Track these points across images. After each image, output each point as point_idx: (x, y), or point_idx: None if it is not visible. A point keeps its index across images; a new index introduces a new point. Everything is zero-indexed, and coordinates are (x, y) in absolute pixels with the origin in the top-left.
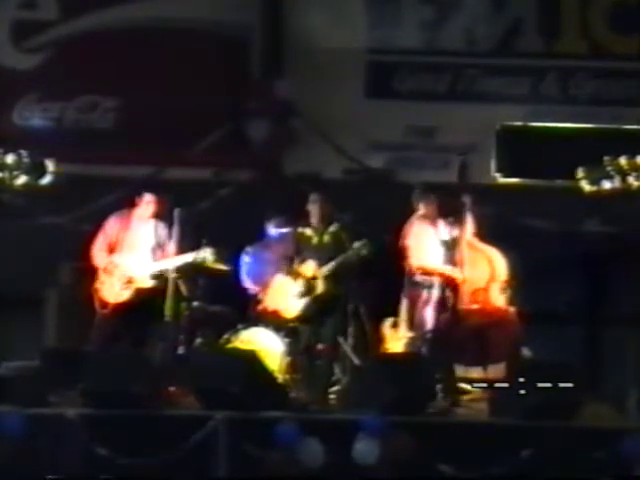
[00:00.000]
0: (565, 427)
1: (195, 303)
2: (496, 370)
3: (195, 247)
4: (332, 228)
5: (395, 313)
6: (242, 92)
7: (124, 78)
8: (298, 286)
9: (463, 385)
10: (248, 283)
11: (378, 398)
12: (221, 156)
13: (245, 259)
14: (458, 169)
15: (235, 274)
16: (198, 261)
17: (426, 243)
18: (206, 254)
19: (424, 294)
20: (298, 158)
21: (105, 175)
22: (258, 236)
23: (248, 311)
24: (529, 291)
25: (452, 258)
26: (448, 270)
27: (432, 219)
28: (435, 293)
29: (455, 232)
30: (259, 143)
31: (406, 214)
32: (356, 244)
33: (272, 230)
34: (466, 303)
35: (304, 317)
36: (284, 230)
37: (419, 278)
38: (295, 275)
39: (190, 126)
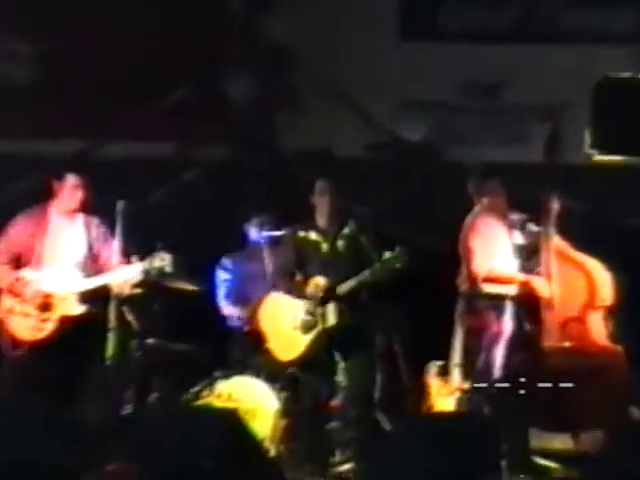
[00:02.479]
0: None
1: (150, 340)
2: (592, 439)
3: (146, 255)
4: (347, 230)
5: (444, 354)
6: (217, 34)
7: (54, 17)
8: (301, 314)
9: (541, 461)
10: (228, 309)
11: (416, 478)
12: (186, 124)
13: (222, 275)
14: (545, 144)
15: (208, 296)
16: (152, 273)
17: (495, 245)
18: (163, 262)
19: (491, 321)
20: (297, 128)
21: (22, 151)
22: (237, 241)
23: (228, 351)
24: (635, 322)
25: (531, 271)
26: (529, 279)
27: (501, 215)
28: (507, 321)
29: (535, 234)
30: (241, 106)
31: (457, 208)
32: (387, 254)
33: (258, 233)
34: (553, 338)
35: (309, 360)
36: (275, 233)
37: (484, 297)
38: (296, 297)
39: (143, 83)
